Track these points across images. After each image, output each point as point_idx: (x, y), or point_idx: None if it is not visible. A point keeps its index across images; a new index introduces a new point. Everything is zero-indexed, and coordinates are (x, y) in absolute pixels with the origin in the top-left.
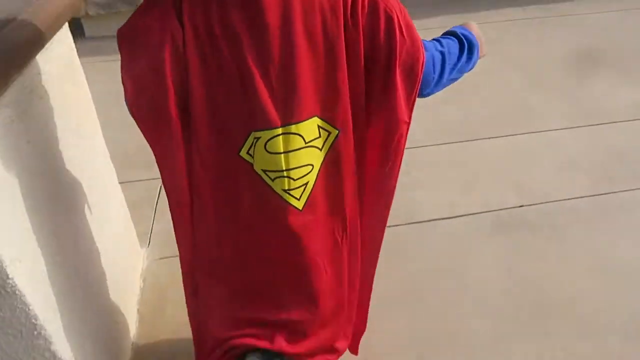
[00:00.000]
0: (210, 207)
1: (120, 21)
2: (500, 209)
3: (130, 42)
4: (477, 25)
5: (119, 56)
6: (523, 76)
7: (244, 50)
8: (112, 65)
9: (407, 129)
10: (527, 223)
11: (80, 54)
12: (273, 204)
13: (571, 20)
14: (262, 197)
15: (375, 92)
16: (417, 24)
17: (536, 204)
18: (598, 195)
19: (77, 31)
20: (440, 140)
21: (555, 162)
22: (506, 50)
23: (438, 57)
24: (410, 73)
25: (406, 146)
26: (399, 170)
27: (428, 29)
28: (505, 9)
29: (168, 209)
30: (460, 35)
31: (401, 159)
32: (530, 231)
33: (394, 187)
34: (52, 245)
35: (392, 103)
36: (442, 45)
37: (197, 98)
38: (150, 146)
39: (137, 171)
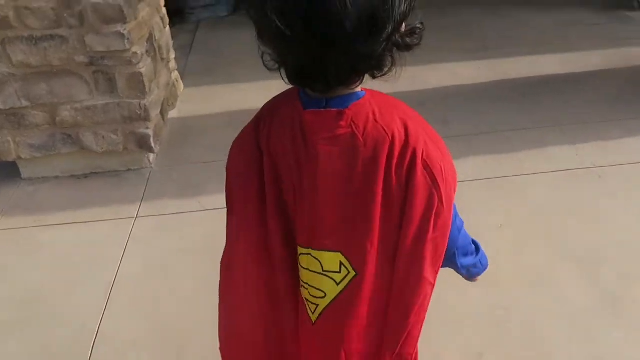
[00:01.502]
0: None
1: (63, 162)
2: None
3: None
4: None
5: (60, 215)
6: (585, 281)
7: (292, 173)
8: (46, 234)
9: (431, 290)
10: None
11: (11, 212)
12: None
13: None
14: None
15: (404, 248)
16: None
17: None
18: None
19: (13, 173)
20: None
21: None
22: (556, 231)
23: (465, 238)
24: (440, 240)
25: None
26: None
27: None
28: (551, 147)
29: None
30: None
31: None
32: None
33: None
34: None
35: (419, 263)
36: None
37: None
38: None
39: None
